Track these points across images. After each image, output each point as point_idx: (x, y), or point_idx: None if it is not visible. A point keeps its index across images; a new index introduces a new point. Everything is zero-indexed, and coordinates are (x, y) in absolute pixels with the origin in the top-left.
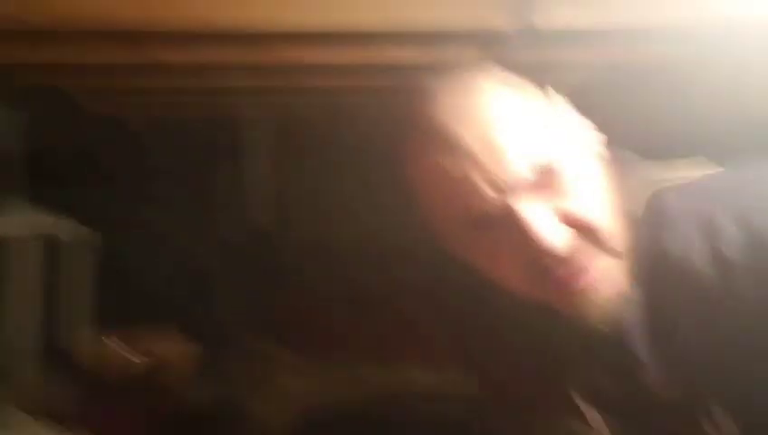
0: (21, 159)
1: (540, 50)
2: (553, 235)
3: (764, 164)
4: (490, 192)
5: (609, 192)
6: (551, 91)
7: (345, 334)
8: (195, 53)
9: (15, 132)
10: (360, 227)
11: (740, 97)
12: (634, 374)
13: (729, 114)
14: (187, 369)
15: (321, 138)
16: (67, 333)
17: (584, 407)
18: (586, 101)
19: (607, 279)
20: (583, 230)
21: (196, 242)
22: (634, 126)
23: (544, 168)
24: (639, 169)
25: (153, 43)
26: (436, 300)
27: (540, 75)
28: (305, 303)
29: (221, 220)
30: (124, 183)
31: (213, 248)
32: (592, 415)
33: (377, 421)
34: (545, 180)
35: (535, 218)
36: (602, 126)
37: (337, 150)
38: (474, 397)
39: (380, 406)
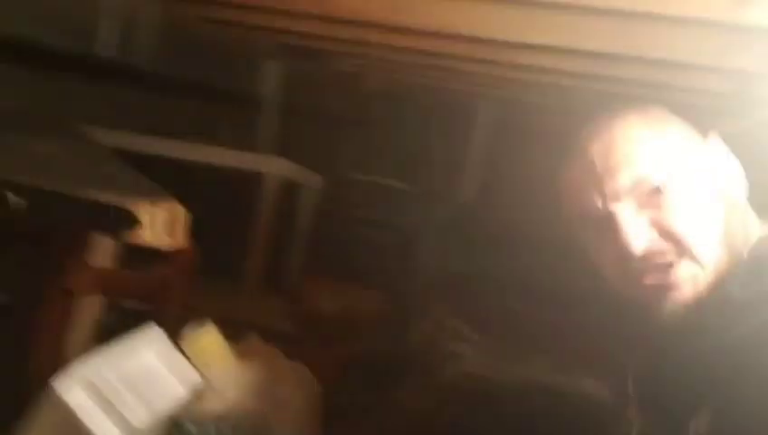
0: (270, 107)
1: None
2: (639, 238)
3: None
4: (598, 198)
5: (719, 224)
6: (709, 135)
7: (513, 318)
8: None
9: (270, 82)
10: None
11: None
12: (676, 378)
13: None
14: (377, 322)
15: (536, 131)
16: (290, 273)
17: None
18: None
19: (687, 285)
20: (673, 240)
21: (406, 205)
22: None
23: (651, 186)
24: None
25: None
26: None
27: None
28: (485, 281)
29: (433, 187)
30: (352, 138)
31: (420, 215)
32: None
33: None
34: (649, 196)
35: (628, 223)
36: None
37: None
38: None
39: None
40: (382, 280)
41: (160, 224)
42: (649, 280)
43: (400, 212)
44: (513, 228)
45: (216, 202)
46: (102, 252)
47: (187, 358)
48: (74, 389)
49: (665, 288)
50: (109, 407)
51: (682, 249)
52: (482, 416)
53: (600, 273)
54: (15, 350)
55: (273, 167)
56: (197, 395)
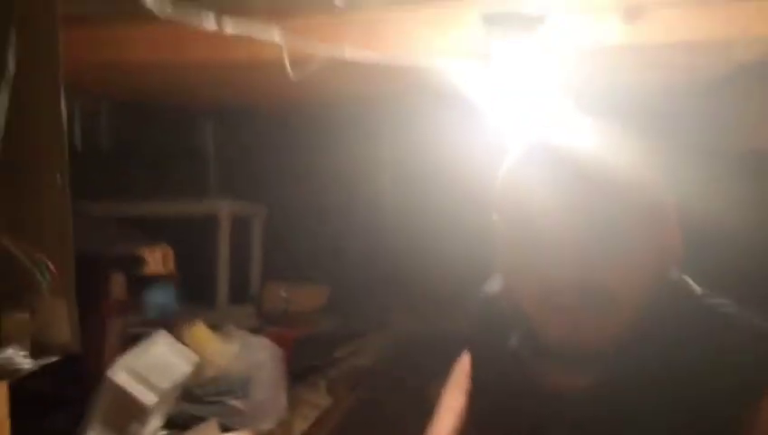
0: (214, 159)
1: None
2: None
3: None
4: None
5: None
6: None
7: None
8: None
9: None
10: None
11: None
12: None
13: None
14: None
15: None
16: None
17: None
18: None
19: (597, 332)
20: (600, 291)
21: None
22: None
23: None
24: None
25: None
26: None
27: None
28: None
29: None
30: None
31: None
32: None
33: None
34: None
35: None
36: None
37: None
38: None
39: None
40: (324, 278)
41: (158, 259)
42: (561, 318)
43: (331, 220)
44: (425, 217)
45: (186, 244)
46: (117, 288)
47: (187, 346)
48: (120, 373)
49: (574, 329)
50: (142, 380)
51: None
52: (411, 359)
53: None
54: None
55: (225, 207)
56: (197, 368)
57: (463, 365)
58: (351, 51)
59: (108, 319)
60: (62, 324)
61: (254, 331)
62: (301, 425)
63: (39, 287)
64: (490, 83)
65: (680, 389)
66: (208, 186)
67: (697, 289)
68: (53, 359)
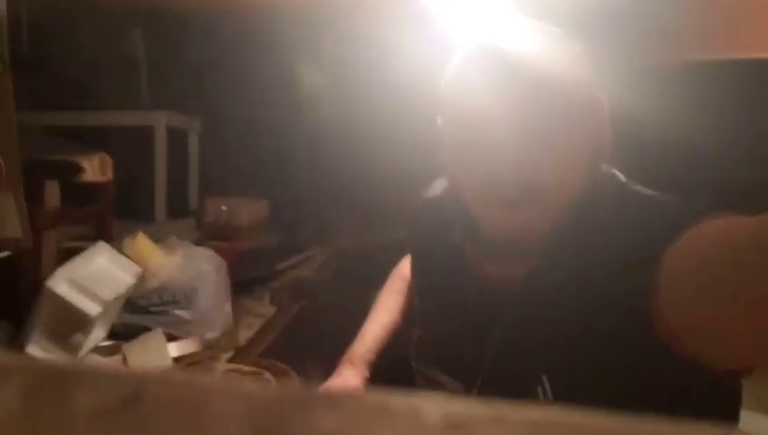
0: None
1: None
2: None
3: None
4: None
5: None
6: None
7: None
8: None
9: (139, 45)
10: None
11: None
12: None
13: None
14: (262, 222)
15: None
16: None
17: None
18: None
19: (534, 228)
20: (542, 185)
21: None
22: None
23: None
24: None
25: None
26: None
27: None
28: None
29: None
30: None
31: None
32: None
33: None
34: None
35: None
36: None
37: None
38: None
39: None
40: (264, 192)
41: (96, 168)
42: (503, 212)
43: (271, 132)
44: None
45: (121, 157)
46: (52, 196)
47: (129, 258)
48: (60, 284)
49: (514, 221)
50: (84, 291)
51: (544, 193)
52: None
53: (455, 181)
54: None
55: (160, 118)
56: (140, 279)
57: (400, 270)
58: None
59: (43, 228)
60: (12, 220)
61: (196, 244)
62: (245, 334)
63: None
64: None
65: (602, 268)
66: (141, 96)
67: (623, 178)
68: (5, 254)
